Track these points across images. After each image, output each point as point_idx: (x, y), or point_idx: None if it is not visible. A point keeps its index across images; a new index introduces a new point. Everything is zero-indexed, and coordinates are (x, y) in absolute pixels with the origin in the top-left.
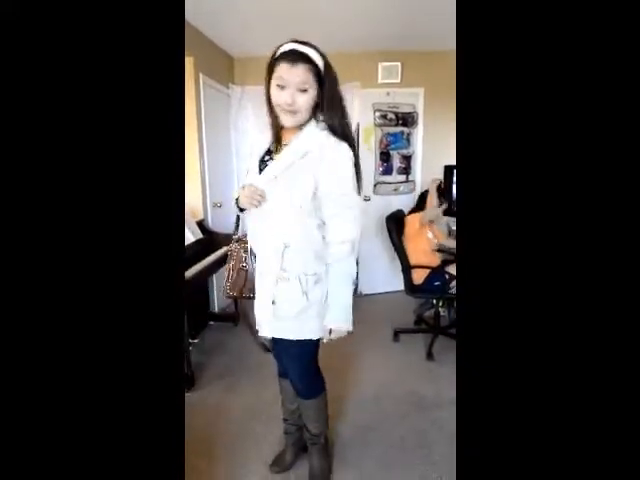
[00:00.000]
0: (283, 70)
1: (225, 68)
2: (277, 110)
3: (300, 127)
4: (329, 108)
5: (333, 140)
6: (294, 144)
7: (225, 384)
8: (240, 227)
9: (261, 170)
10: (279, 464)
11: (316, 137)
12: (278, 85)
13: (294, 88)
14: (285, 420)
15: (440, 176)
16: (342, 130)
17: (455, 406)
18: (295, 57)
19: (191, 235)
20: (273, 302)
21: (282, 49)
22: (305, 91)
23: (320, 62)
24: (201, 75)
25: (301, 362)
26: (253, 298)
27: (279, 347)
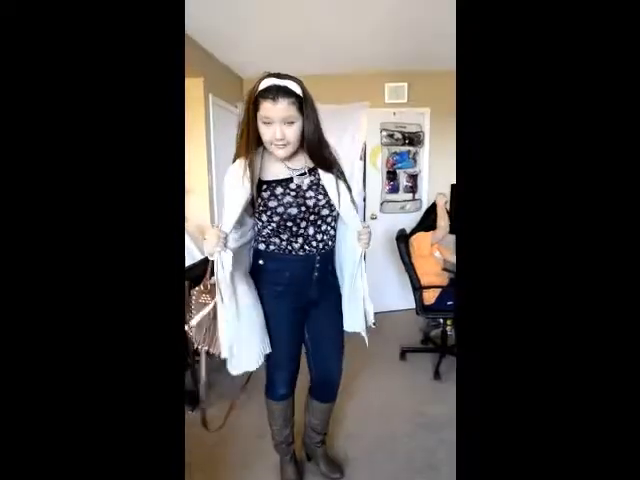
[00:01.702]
0: (267, 108)
1: (234, 88)
2: (267, 144)
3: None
4: (313, 138)
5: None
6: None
7: (229, 404)
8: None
9: (281, 201)
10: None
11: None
12: (264, 122)
13: (280, 122)
14: (280, 444)
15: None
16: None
17: None
18: (276, 93)
19: (199, 253)
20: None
21: (262, 85)
22: (292, 123)
23: (300, 92)
24: (210, 96)
25: (341, 359)
26: None
27: (325, 351)
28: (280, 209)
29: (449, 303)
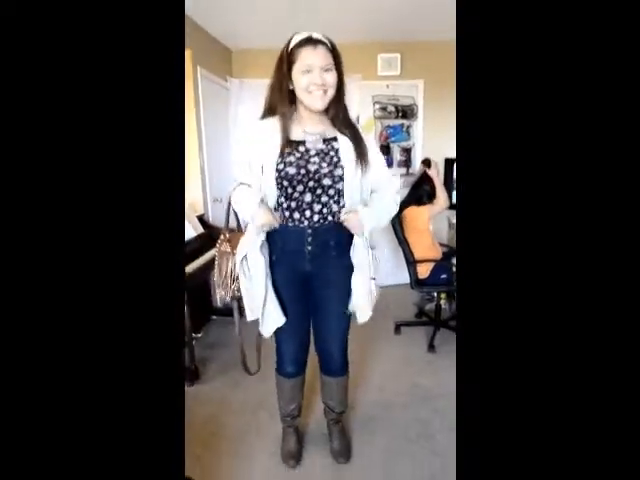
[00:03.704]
0: (307, 54)
1: (223, 61)
2: (304, 96)
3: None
4: (342, 95)
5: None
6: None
7: (229, 378)
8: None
9: (285, 159)
10: (293, 457)
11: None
12: (304, 71)
13: (320, 69)
14: (285, 416)
15: (441, 169)
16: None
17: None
18: (315, 41)
19: (192, 230)
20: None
21: (297, 38)
22: (330, 70)
23: (331, 47)
24: (199, 68)
25: (346, 335)
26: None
27: (326, 326)
28: (280, 166)
29: (443, 277)
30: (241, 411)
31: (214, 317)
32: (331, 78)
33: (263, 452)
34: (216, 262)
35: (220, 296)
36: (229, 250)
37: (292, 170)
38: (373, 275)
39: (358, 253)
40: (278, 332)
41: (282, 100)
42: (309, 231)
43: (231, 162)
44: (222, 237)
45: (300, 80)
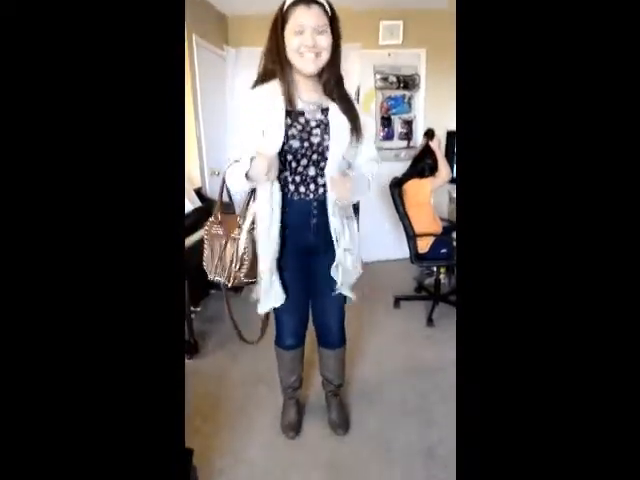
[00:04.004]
0: (300, 14)
1: (219, 28)
2: (295, 58)
3: (314, 80)
4: (337, 61)
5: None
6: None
7: (228, 351)
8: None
9: (287, 131)
10: (293, 428)
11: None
12: (296, 31)
13: (313, 30)
14: (286, 388)
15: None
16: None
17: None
18: (309, 1)
19: (189, 203)
20: (351, 251)
21: None
22: (323, 32)
23: (328, 8)
24: (194, 36)
25: (342, 307)
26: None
27: (323, 300)
28: (283, 139)
29: (443, 251)
30: (240, 384)
31: (212, 291)
32: (324, 41)
33: (262, 424)
34: (206, 245)
35: (220, 282)
36: (221, 233)
37: (296, 144)
38: (349, 246)
39: (334, 223)
40: (279, 306)
41: (279, 63)
42: (315, 204)
43: (227, 142)
44: (213, 219)
45: (292, 41)
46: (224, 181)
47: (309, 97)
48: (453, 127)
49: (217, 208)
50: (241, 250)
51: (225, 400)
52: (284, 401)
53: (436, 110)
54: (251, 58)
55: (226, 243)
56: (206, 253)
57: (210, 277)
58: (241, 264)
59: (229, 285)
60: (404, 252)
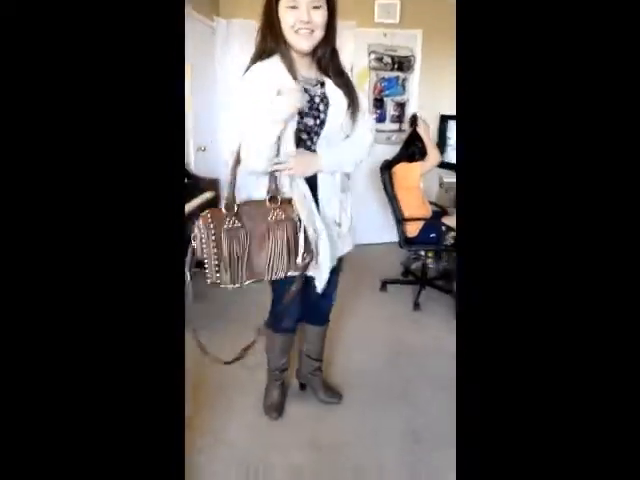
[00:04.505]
0: None
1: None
2: (290, 35)
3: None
4: (332, 36)
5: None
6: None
7: (207, 332)
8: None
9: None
10: (276, 409)
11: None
12: (289, 6)
13: (307, 5)
14: (274, 370)
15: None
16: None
17: (441, 354)
18: None
19: None
20: (339, 224)
21: None
22: (318, 8)
23: None
24: (185, 7)
25: (336, 284)
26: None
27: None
28: (297, 118)
29: (432, 236)
30: (220, 365)
31: (195, 270)
32: (320, 16)
33: (243, 404)
34: (212, 250)
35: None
36: (240, 225)
37: (310, 121)
38: (338, 220)
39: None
40: (280, 289)
41: (276, 39)
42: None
43: (231, 132)
44: (226, 211)
45: (286, 16)
46: (237, 162)
47: (307, 73)
48: (446, 111)
49: (230, 198)
50: (310, 234)
51: (205, 379)
52: (268, 382)
53: (430, 94)
54: (242, 31)
55: (263, 235)
56: (209, 256)
57: (233, 285)
58: (307, 249)
59: (269, 279)
60: (392, 236)
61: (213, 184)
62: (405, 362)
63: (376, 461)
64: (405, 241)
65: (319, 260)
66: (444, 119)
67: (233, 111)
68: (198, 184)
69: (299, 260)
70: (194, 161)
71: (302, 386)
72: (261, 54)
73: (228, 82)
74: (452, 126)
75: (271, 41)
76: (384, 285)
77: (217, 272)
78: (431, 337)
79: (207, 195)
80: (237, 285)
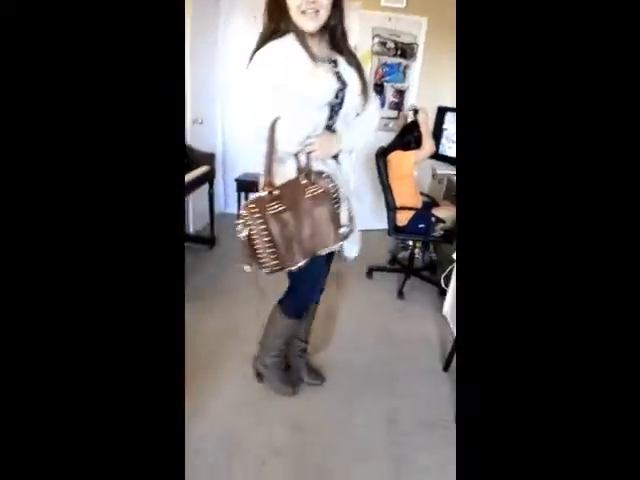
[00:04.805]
0: None
1: None
2: (297, 15)
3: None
4: (340, 15)
5: None
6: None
7: (198, 306)
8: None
9: None
10: (294, 384)
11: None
12: None
13: None
14: (278, 355)
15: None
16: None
17: (424, 343)
18: None
19: None
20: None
21: None
22: None
23: None
24: None
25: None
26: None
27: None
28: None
29: (421, 226)
30: (210, 338)
31: (187, 244)
32: None
33: (232, 376)
34: (262, 233)
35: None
36: (283, 208)
37: (333, 101)
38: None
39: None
40: (304, 278)
41: (285, 18)
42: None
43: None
44: (267, 196)
45: None
46: (272, 147)
47: (320, 52)
48: (444, 103)
49: (267, 182)
50: (347, 204)
51: (190, 355)
52: (270, 363)
53: (430, 83)
54: (245, 3)
55: (306, 212)
56: (262, 244)
57: (292, 267)
58: (349, 218)
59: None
60: (382, 223)
61: (208, 158)
62: (387, 348)
63: (353, 440)
64: (394, 229)
65: (354, 229)
66: (442, 111)
67: (248, 89)
68: (194, 158)
69: (342, 230)
70: (190, 134)
71: (287, 366)
72: (271, 34)
73: (229, 56)
74: (449, 118)
75: (280, 21)
76: (370, 272)
77: (275, 259)
78: (414, 325)
79: (203, 169)
80: (297, 266)
